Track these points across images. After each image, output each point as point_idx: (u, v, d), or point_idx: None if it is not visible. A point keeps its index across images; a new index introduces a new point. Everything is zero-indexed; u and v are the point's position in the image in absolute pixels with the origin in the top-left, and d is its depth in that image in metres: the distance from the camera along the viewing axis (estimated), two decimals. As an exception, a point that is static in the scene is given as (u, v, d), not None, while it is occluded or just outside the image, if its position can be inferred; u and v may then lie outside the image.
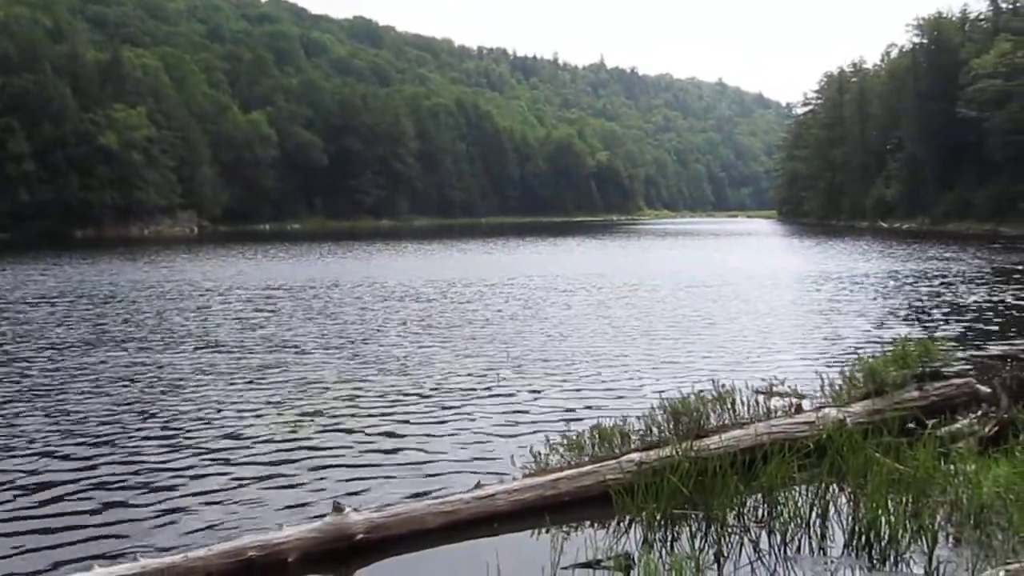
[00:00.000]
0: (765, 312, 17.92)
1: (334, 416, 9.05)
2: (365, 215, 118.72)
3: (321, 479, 7.01)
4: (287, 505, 6.41)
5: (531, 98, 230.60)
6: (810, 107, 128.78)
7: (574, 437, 6.82)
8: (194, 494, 6.69)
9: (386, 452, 7.80)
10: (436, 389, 10.30)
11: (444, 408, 9.34)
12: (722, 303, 19.44)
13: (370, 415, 9.10)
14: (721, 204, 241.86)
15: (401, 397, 9.91)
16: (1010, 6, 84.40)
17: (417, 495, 6.33)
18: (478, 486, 6.10)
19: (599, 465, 6.29)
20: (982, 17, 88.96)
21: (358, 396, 10.01)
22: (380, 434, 8.36)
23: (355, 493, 6.60)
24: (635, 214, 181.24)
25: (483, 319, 16.70)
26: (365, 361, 12.24)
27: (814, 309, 18.62)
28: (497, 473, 6.75)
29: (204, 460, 7.58)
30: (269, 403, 9.64)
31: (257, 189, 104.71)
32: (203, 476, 7.15)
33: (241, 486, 6.86)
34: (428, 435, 8.29)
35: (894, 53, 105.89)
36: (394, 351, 13.04)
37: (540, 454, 6.71)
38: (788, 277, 27.44)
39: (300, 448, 7.90)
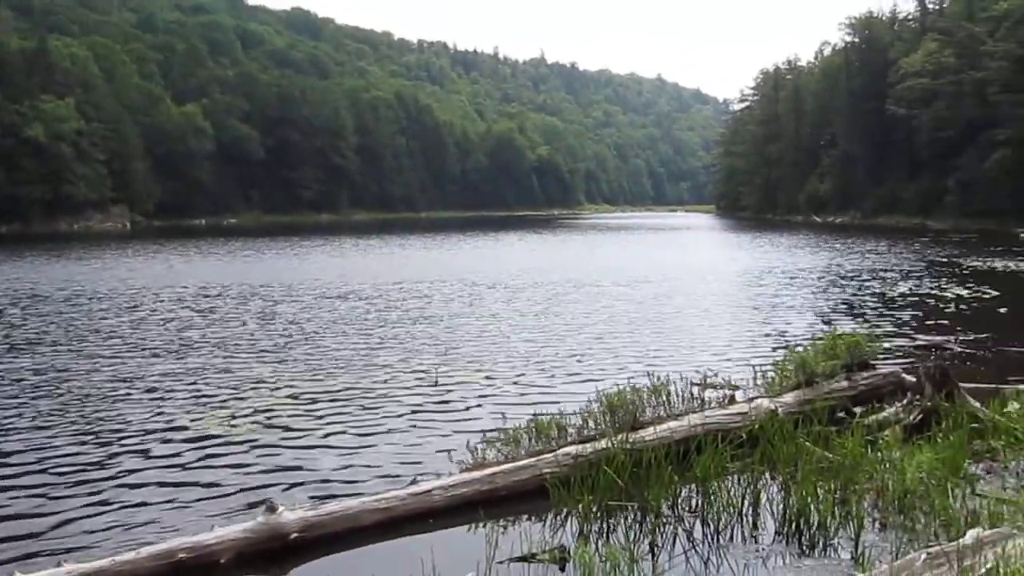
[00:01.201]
0: (703, 307, 18.16)
1: (268, 415, 8.89)
2: (304, 209, 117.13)
3: (255, 479, 6.90)
4: (220, 505, 6.29)
5: (472, 92, 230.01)
6: (747, 103, 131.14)
7: (511, 432, 6.84)
8: (123, 496, 6.52)
9: (322, 450, 7.70)
10: (373, 387, 10.17)
11: (381, 406, 9.25)
12: (661, 298, 19.59)
13: (306, 414, 8.97)
14: (661, 199, 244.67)
15: (338, 396, 9.77)
16: (936, 7, 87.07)
17: (353, 493, 6.26)
18: (414, 482, 6.07)
19: (536, 459, 6.30)
20: (910, 17, 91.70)
21: (294, 395, 9.85)
22: (316, 433, 8.25)
23: (290, 492, 6.51)
24: (576, 209, 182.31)
25: (422, 317, 16.51)
26: (301, 360, 12.02)
27: (751, 304, 18.95)
28: (434, 469, 6.71)
29: (133, 462, 7.39)
30: (201, 403, 9.44)
31: (192, 183, 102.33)
32: (132, 478, 6.97)
33: (173, 487, 6.71)
34: (365, 433, 8.21)
35: (827, 51, 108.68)
36: (331, 350, 12.82)
37: (477, 449, 6.71)
38: (726, 272, 27.88)
39: (234, 448, 7.77)
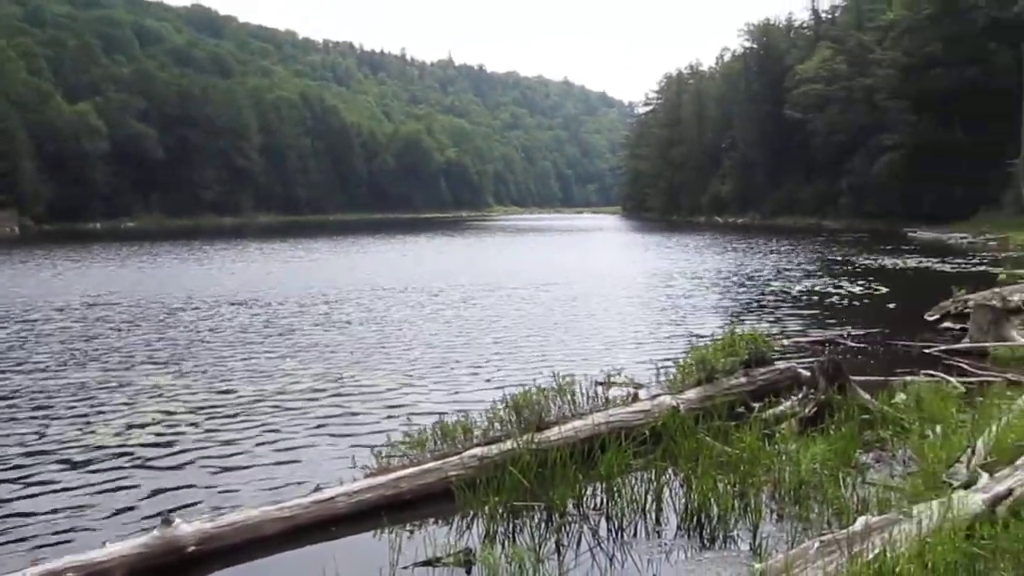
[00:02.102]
0: (613, 308, 18.34)
1: (166, 427, 8.56)
2: (207, 212, 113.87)
3: (152, 492, 6.65)
4: (114, 521, 6.04)
5: (379, 93, 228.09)
6: (651, 107, 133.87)
7: (416, 435, 6.78)
8: (9, 513, 6.20)
9: (222, 460, 7.47)
10: (277, 395, 9.89)
11: (285, 413, 9.01)
12: (571, 301, 19.67)
13: (205, 424, 8.66)
14: (568, 200, 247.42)
15: (239, 405, 9.46)
16: (829, 16, 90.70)
17: (255, 503, 6.10)
18: (317, 489, 5.96)
19: (441, 462, 6.27)
20: (805, 25, 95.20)
21: (192, 405, 9.46)
22: (216, 442, 7.99)
23: (189, 504, 6.30)
24: (485, 210, 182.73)
25: (329, 322, 16.13)
26: (201, 370, 11.56)
27: (660, 304, 19.25)
28: (338, 476, 6.59)
29: (20, 479, 7.01)
30: (94, 417, 9.01)
31: (86, 184, 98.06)
32: (19, 495, 6.63)
33: (63, 502, 6.41)
34: (267, 441, 8.00)
35: (727, 57, 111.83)
36: (232, 359, 12.36)
37: (381, 454, 6.63)
38: (635, 274, 28.32)
39: (130, 460, 7.46)
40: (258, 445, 7.89)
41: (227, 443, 7.96)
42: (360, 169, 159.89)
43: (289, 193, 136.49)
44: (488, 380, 10.46)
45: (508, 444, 6.39)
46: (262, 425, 8.56)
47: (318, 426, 8.49)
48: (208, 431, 8.37)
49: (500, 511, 5.72)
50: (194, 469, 7.23)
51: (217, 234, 67.45)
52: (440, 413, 7.93)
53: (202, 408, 9.31)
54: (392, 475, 6.13)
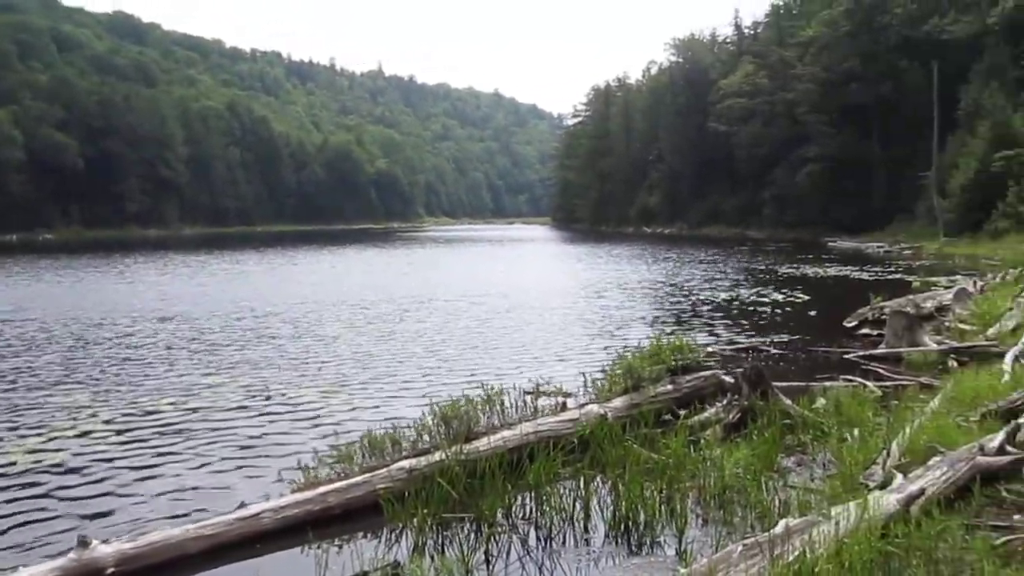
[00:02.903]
0: (545, 319, 18.39)
1: (84, 445, 8.30)
2: (130, 224, 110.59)
3: (68, 513, 6.45)
4: (31, 544, 5.83)
5: (308, 103, 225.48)
6: (580, 119, 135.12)
7: (344, 449, 6.71)
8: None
9: (144, 479, 7.27)
10: (201, 410, 9.68)
11: (209, 430, 8.82)
12: (504, 312, 19.71)
13: (126, 442, 8.42)
14: (499, 211, 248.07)
15: (162, 421, 9.23)
16: (751, 32, 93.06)
17: (177, 521, 5.95)
18: (242, 506, 5.84)
19: (370, 475, 6.22)
20: (728, 40, 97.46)
21: (113, 422, 9.20)
22: (138, 461, 7.78)
23: (110, 525, 6.12)
24: (416, 221, 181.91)
25: (255, 337, 15.76)
26: (122, 386, 11.22)
27: (592, 315, 19.39)
28: (264, 491, 6.48)
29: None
30: (8, 436, 8.68)
31: (0, 195, 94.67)
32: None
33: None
34: (192, 458, 7.82)
35: (654, 70, 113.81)
36: (154, 375, 12.02)
37: (309, 468, 6.54)
38: (568, 284, 28.54)
39: (45, 481, 7.21)
40: (182, 462, 7.70)
41: (149, 461, 7.76)
42: (289, 180, 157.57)
43: (216, 204, 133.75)
44: (418, 392, 10.36)
45: (437, 455, 6.37)
46: (186, 442, 8.36)
47: (245, 442, 8.33)
48: (129, 449, 8.14)
49: (429, 523, 5.69)
50: (114, 489, 7.02)
51: (140, 246, 65.67)
52: (369, 426, 7.86)
53: (123, 426, 9.05)
54: (320, 490, 6.05)
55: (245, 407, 9.84)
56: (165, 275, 33.31)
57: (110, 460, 7.78)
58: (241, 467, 7.51)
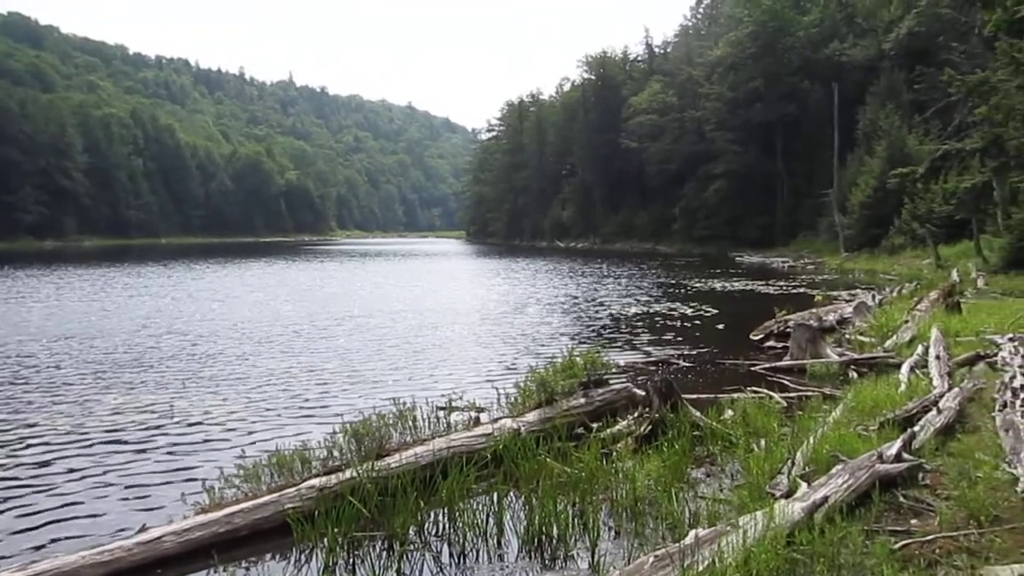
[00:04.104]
0: (458, 334, 18.36)
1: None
2: (24, 235, 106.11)
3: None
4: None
5: (216, 113, 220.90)
6: (494, 133, 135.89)
7: (251, 468, 6.51)
8: None
9: (38, 503, 6.90)
10: (98, 432, 9.24)
11: (107, 451, 8.44)
12: (417, 329, 19.59)
13: (19, 465, 7.99)
14: (413, 225, 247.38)
15: (56, 443, 8.78)
16: (661, 51, 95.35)
17: (73, 547, 5.66)
18: (143, 529, 5.61)
19: (278, 494, 6.05)
20: (639, 59, 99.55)
21: (4, 446, 8.70)
22: (32, 484, 7.38)
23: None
24: (327, 234, 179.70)
25: (156, 356, 15.12)
26: (12, 410, 10.62)
27: (505, 329, 19.42)
28: (167, 513, 6.24)
29: None
30: None
31: None
32: None
33: None
34: (89, 480, 7.47)
35: (567, 86, 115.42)
36: (47, 397, 11.41)
37: (214, 488, 6.32)
38: (482, 299, 28.50)
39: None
40: (79, 486, 7.36)
41: (44, 484, 7.39)
42: (196, 191, 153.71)
43: (117, 216, 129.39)
44: (331, 411, 10.11)
45: (348, 473, 6.25)
46: (84, 464, 7.99)
47: (147, 463, 8.00)
48: (22, 473, 7.73)
49: (339, 542, 5.58)
50: (4, 514, 6.65)
51: (35, 259, 62.83)
52: (278, 445, 7.65)
53: (14, 449, 8.58)
54: (225, 511, 5.86)
55: (147, 428, 9.44)
56: (61, 289, 31.89)
57: (1, 484, 7.37)
58: (143, 489, 7.21)
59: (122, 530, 6.00)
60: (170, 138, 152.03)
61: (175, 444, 8.70)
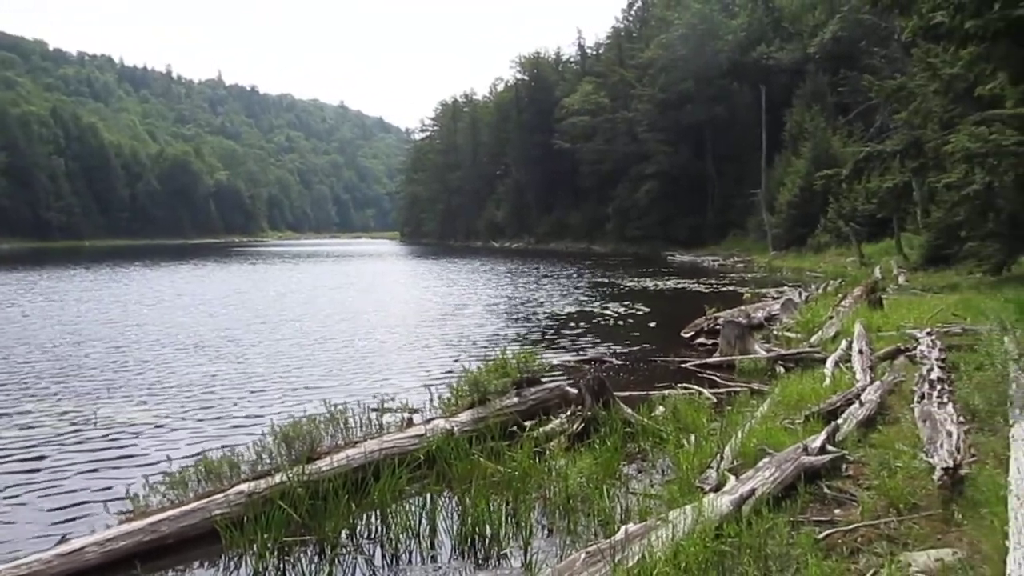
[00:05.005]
0: (396, 338, 18.14)
1: None
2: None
3: None
4: None
5: (142, 112, 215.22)
6: (428, 133, 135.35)
7: (178, 475, 6.36)
8: None
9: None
10: (16, 441, 8.89)
11: (26, 460, 8.16)
12: (352, 333, 19.36)
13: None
14: (346, 225, 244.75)
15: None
16: (594, 52, 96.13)
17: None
18: (64, 541, 5.44)
19: (206, 501, 5.92)
20: (572, 60, 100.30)
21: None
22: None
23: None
24: (259, 236, 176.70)
25: (80, 363, 14.55)
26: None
27: (442, 330, 19.34)
28: (89, 524, 6.06)
29: None
30: None
31: None
32: None
33: None
34: (4, 490, 7.19)
35: (500, 87, 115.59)
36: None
37: (139, 496, 6.16)
38: (418, 301, 28.35)
39: None
40: (-6, 496, 7.09)
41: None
42: (121, 192, 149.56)
43: (38, 217, 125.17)
44: (262, 416, 9.83)
45: (278, 477, 6.16)
46: (1, 475, 7.69)
47: (68, 473, 7.75)
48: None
49: (270, 548, 5.48)
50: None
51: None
52: (206, 451, 7.49)
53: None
54: (151, 519, 5.72)
55: (68, 437, 9.12)
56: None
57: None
58: (63, 499, 6.99)
59: (40, 541, 5.80)
60: (93, 137, 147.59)
61: (98, 453, 8.44)
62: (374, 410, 7.98)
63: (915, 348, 10.89)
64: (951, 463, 5.65)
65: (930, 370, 8.53)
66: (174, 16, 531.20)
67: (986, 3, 14.51)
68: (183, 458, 7.56)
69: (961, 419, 6.87)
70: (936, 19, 16.79)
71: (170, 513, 5.77)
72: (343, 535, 5.74)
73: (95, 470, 7.83)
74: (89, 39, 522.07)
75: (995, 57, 16.72)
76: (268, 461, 6.58)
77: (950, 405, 7.12)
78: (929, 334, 11.28)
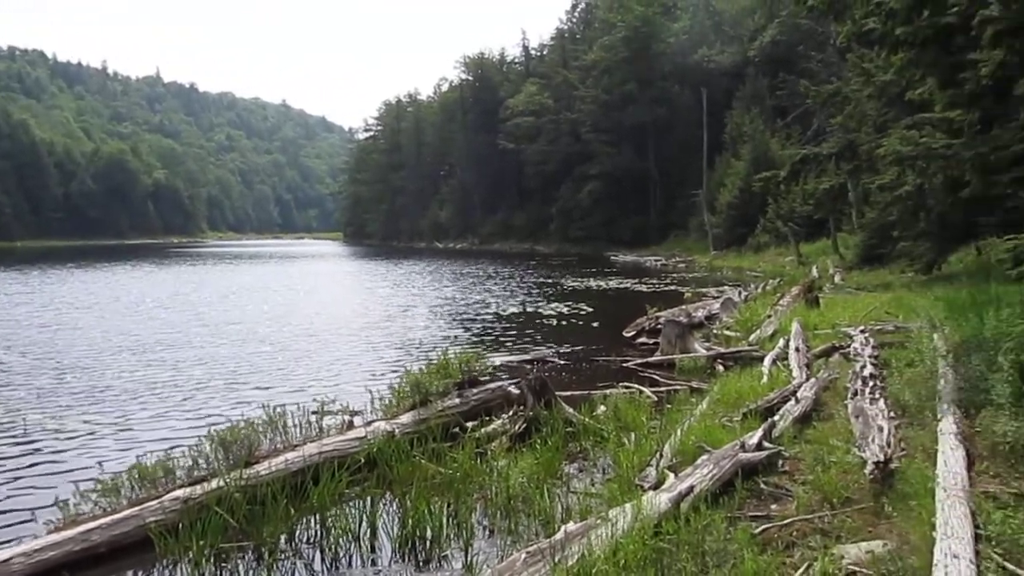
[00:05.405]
0: (336, 341, 17.87)
1: None
2: None
3: None
4: None
5: (76, 109, 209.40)
6: (371, 133, 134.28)
7: (110, 481, 6.20)
8: None
9: None
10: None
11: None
12: (292, 336, 19.09)
13: None
14: (289, 226, 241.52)
15: None
16: (538, 53, 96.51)
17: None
18: (-12, 552, 5.26)
19: (139, 508, 5.79)
20: (517, 61, 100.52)
21: None
22: None
23: None
24: (198, 236, 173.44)
25: (7, 365, 14.12)
26: None
27: (387, 333, 19.18)
28: (15, 533, 5.87)
29: None
30: None
31: None
32: None
33: None
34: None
35: (445, 87, 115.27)
36: None
37: (69, 504, 5.99)
38: (363, 304, 28.10)
39: None
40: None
41: None
42: (55, 191, 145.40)
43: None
44: (197, 420, 9.67)
45: (215, 483, 6.05)
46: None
47: (-7, 479, 7.51)
48: None
49: (206, 555, 5.40)
50: None
51: None
52: (140, 457, 7.31)
53: None
54: (81, 527, 5.57)
55: (-6, 440, 8.85)
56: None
57: None
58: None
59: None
60: (24, 134, 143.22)
61: (25, 460, 8.19)
62: (314, 413, 7.88)
63: (849, 346, 11.14)
64: (882, 457, 5.80)
65: (863, 367, 8.73)
66: (110, 13, 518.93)
67: (916, 10, 14.89)
68: (116, 464, 7.37)
69: (892, 414, 7.05)
70: (869, 25, 17.19)
71: (102, 521, 5.63)
72: (282, 540, 5.68)
73: (22, 478, 7.59)
74: (21, 33, 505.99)
75: (924, 63, 17.17)
76: (205, 466, 6.46)
77: (881, 401, 7.30)
78: (863, 332, 11.54)
